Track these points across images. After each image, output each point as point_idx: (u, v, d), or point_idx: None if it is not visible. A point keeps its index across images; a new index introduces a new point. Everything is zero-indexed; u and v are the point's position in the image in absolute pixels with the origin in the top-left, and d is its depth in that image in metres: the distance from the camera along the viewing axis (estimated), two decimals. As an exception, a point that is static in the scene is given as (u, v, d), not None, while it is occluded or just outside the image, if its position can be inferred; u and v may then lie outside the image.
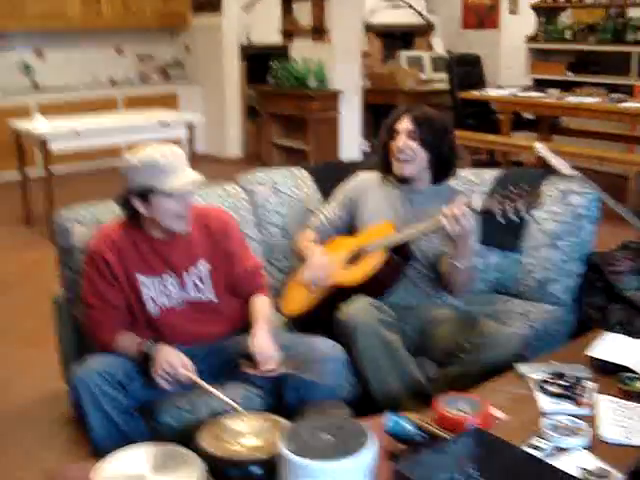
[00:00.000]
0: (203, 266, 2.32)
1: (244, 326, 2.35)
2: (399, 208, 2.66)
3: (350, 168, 3.01)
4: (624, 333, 2.38)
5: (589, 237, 2.89)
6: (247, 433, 1.84)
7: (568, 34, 7.74)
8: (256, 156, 7.95)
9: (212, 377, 2.32)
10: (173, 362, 2.11)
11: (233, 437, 1.82)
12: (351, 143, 7.16)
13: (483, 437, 1.71)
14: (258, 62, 8.02)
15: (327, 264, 2.61)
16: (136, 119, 6.15)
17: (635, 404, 1.97)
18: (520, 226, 2.89)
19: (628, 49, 7.13)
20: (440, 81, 8.01)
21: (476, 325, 2.45)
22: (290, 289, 2.74)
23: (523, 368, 2.16)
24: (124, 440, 2.00)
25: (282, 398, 2.26)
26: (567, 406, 1.96)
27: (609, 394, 2.02)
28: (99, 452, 2.04)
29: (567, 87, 7.15)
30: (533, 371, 2.13)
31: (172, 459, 1.73)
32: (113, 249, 2.25)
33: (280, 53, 7.61)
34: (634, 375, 2.06)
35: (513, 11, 8.29)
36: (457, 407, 1.87)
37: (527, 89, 7.09)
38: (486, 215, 2.33)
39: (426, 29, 8.94)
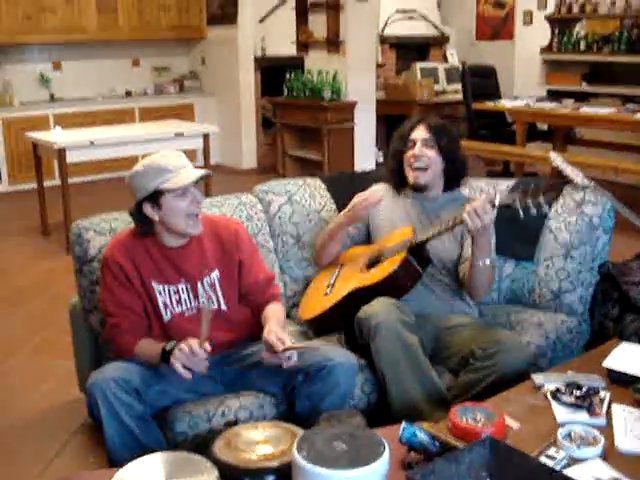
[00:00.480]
0: (215, 274, 2.34)
1: (254, 335, 2.36)
2: (414, 216, 2.68)
3: (365, 178, 3.03)
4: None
5: (604, 247, 2.88)
6: (262, 441, 1.84)
7: (582, 45, 7.75)
8: (271, 167, 7.99)
9: (224, 385, 2.34)
10: (191, 341, 2.09)
11: (248, 445, 1.82)
12: (366, 154, 7.18)
13: (497, 447, 1.71)
14: (273, 74, 8.08)
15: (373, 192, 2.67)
16: (152, 130, 6.19)
17: (651, 415, 1.96)
18: (534, 236, 2.90)
19: (642, 60, 7.12)
20: (454, 92, 8.04)
21: (491, 334, 2.45)
22: (307, 295, 2.76)
23: (538, 378, 2.16)
24: (140, 448, 2.02)
25: (294, 406, 2.27)
26: (582, 416, 1.95)
27: (624, 404, 2.01)
28: (115, 460, 2.06)
29: (582, 98, 7.14)
30: (548, 381, 2.13)
31: (187, 467, 1.73)
32: (126, 255, 2.27)
33: (295, 65, 7.65)
34: (649, 386, 2.05)
35: (527, 22, 8.31)
36: (472, 417, 1.87)
37: (541, 100, 7.08)
38: (507, 209, 2.31)
39: (440, 40, 8.99)
